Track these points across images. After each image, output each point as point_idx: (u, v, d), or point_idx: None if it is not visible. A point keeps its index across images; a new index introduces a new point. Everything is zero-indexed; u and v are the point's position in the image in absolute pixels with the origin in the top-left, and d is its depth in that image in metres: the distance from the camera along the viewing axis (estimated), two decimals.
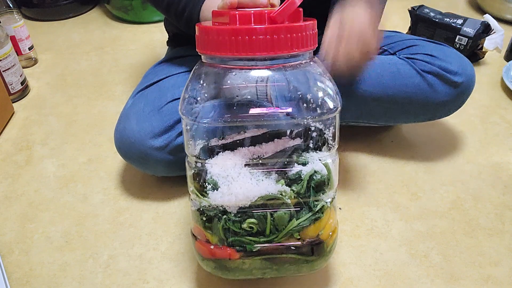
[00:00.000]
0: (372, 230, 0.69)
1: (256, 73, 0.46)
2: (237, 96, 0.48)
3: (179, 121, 0.70)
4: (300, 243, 0.50)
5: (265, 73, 0.46)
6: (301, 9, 0.49)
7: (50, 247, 0.68)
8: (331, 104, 0.48)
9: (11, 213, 0.74)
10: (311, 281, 0.62)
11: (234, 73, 0.47)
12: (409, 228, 0.70)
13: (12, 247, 0.68)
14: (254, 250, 0.50)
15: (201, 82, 0.49)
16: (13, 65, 1.01)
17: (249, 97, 0.48)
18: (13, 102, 1.01)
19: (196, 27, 0.48)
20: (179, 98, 0.52)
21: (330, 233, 0.53)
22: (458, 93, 0.75)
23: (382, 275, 0.62)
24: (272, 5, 0.50)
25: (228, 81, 0.47)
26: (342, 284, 0.61)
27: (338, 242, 0.66)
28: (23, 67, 1.12)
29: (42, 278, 0.63)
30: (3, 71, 0.99)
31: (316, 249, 0.51)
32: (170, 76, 0.77)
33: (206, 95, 0.48)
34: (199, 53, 0.50)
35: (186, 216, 0.72)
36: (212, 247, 0.51)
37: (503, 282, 0.62)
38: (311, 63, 0.50)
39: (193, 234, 0.54)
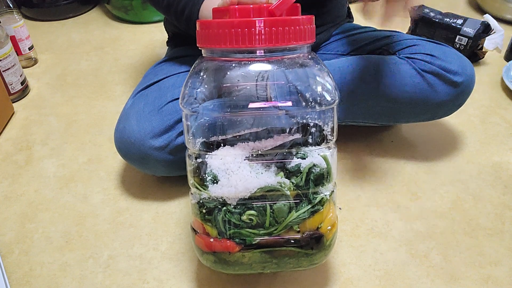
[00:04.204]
0: (372, 230, 0.69)
1: (255, 65, 0.48)
2: (237, 87, 0.48)
3: (179, 121, 0.70)
4: (299, 236, 0.51)
5: (263, 65, 0.48)
6: (298, 5, 0.50)
7: (50, 247, 0.68)
8: (328, 97, 0.49)
9: (11, 213, 0.74)
10: (311, 281, 0.62)
11: (233, 65, 0.48)
12: (409, 228, 0.70)
13: (12, 247, 0.68)
14: (254, 242, 0.50)
15: (202, 75, 0.50)
16: (13, 65, 1.01)
17: (248, 87, 0.48)
18: (13, 102, 1.01)
19: (196, 23, 0.49)
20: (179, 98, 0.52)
21: (330, 227, 0.53)
22: (458, 92, 0.75)
23: (382, 275, 0.62)
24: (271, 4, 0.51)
25: (228, 73, 0.48)
26: (342, 284, 0.61)
27: (338, 242, 0.66)
28: (23, 67, 1.12)
29: (42, 278, 0.63)
30: (3, 71, 0.99)
31: (316, 242, 0.52)
32: (170, 76, 0.77)
33: (206, 87, 0.49)
34: (199, 48, 0.51)
35: (186, 216, 0.72)
36: (211, 240, 0.51)
37: (503, 282, 0.62)
38: (309, 57, 0.51)
39: (193, 229, 0.54)
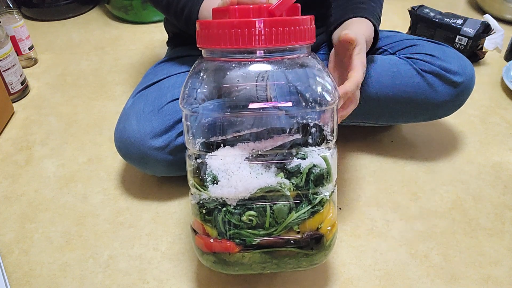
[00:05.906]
0: (372, 230, 0.69)
1: (255, 66, 0.48)
2: (237, 87, 0.48)
3: (179, 121, 0.70)
4: (299, 236, 0.51)
5: (263, 65, 0.48)
6: (298, 5, 0.50)
7: (50, 247, 0.68)
8: (328, 97, 0.49)
9: (11, 213, 0.74)
10: (311, 281, 0.62)
11: (233, 66, 0.48)
12: (409, 228, 0.70)
13: (12, 247, 0.68)
14: (254, 243, 0.50)
15: (201, 75, 0.50)
16: (13, 65, 1.01)
17: (248, 88, 0.48)
18: (13, 102, 1.01)
19: (196, 23, 0.49)
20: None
21: (330, 227, 0.53)
22: (458, 92, 0.75)
23: (382, 275, 0.62)
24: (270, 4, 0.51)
25: (228, 73, 0.48)
26: (342, 284, 0.61)
27: (338, 242, 0.66)
28: (23, 67, 1.12)
29: (42, 278, 0.63)
30: (3, 71, 0.99)
31: (316, 242, 0.52)
32: (170, 76, 0.77)
33: (206, 87, 0.49)
34: (199, 48, 0.51)
35: (186, 216, 0.72)
36: (211, 240, 0.51)
37: (503, 282, 0.62)
38: (309, 57, 0.51)
39: (193, 229, 0.54)
